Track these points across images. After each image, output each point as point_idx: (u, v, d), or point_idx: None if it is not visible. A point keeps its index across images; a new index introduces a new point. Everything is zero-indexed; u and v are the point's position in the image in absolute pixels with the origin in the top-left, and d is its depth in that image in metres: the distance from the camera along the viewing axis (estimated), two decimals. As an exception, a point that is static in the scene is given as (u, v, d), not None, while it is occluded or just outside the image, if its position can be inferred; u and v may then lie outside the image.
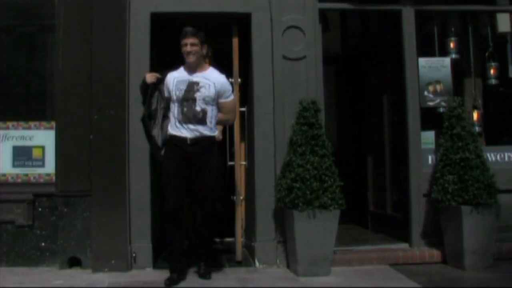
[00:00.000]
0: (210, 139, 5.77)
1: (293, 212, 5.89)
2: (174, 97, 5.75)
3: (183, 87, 5.76)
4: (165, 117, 5.87)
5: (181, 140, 5.71)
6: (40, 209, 6.37)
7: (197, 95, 5.73)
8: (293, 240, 5.93)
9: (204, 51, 5.88)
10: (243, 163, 6.79)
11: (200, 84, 5.77)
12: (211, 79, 5.80)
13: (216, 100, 5.79)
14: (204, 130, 5.73)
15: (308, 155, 5.97)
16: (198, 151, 5.70)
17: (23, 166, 6.48)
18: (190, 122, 5.71)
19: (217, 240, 7.48)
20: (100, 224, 6.18)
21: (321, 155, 5.99)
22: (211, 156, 5.78)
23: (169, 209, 5.68)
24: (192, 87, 5.76)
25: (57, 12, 6.50)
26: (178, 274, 5.72)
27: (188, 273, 5.89)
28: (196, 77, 5.81)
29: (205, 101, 5.74)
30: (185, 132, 5.72)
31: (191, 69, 5.83)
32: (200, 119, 5.71)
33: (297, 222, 5.89)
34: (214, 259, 6.46)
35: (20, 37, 6.84)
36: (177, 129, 5.74)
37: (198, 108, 5.72)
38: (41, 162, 6.49)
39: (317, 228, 5.88)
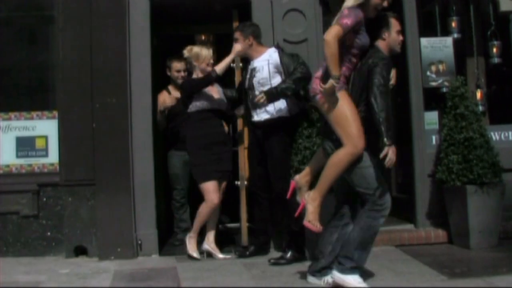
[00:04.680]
0: (270, 121, 5.96)
1: (299, 195, 5.88)
2: (246, 87, 6.10)
3: (247, 76, 6.07)
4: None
5: (252, 123, 6.14)
6: (45, 199, 6.39)
7: (254, 80, 5.99)
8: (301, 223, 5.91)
9: (249, 41, 6.02)
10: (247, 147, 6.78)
11: (256, 69, 5.99)
12: (266, 59, 5.98)
13: (280, 78, 5.92)
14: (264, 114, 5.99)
15: (314, 138, 5.94)
16: (264, 135, 6.00)
17: (27, 156, 6.49)
18: (254, 108, 5.99)
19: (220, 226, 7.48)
20: (105, 213, 6.20)
21: (326, 137, 5.97)
22: (274, 140, 5.95)
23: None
24: (252, 74, 6.02)
25: (56, 3, 6.49)
26: None
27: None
28: (256, 62, 6.04)
29: (261, 84, 5.94)
30: (255, 116, 6.05)
31: (250, 58, 6.09)
32: (261, 103, 5.88)
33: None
34: (220, 243, 6.49)
35: (21, 28, 6.84)
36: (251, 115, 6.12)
37: (257, 93, 5.92)
38: (45, 152, 6.49)
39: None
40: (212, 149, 6.08)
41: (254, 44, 6.05)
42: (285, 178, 5.85)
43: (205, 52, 6.15)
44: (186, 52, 6.18)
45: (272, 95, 5.79)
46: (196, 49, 6.18)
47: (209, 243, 6.19)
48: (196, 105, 6.10)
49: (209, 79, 6.03)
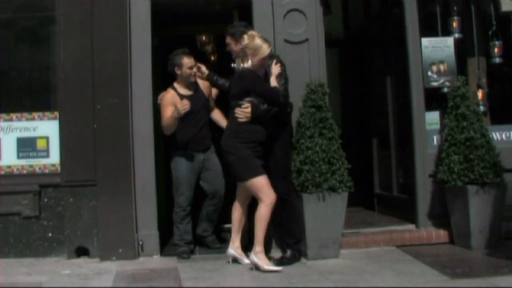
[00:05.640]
0: None
1: (302, 195, 5.89)
2: None
3: None
4: None
5: None
6: (46, 200, 6.39)
7: None
8: (303, 224, 5.93)
9: (241, 44, 5.84)
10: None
11: None
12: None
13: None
14: None
15: (316, 138, 5.95)
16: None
17: (28, 157, 6.49)
18: None
19: (226, 226, 7.46)
20: (106, 213, 6.20)
21: (329, 137, 5.97)
22: (275, 141, 5.88)
23: None
24: None
25: (57, 4, 6.49)
26: None
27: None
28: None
29: None
30: None
31: (242, 62, 6.00)
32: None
33: (307, 205, 5.89)
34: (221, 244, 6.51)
35: (22, 30, 6.85)
36: None
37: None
38: (46, 152, 6.49)
39: (326, 211, 5.87)
40: (257, 147, 5.65)
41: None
42: (286, 179, 5.91)
43: (266, 48, 5.67)
44: (246, 39, 5.67)
45: (259, 110, 5.66)
46: (258, 41, 5.65)
47: (235, 248, 5.84)
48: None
49: (278, 98, 5.67)
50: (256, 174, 5.55)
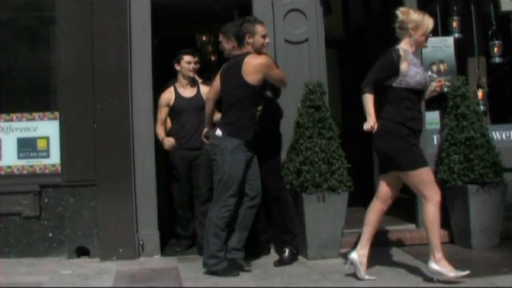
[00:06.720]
0: None
1: (302, 195, 5.88)
2: None
3: None
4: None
5: None
6: (46, 200, 6.39)
7: None
8: (303, 224, 5.93)
9: (232, 43, 5.79)
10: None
11: None
12: None
13: None
14: None
15: (315, 138, 5.95)
16: None
17: (28, 157, 6.50)
18: None
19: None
20: (107, 213, 6.21)
21: (328, 137, 5.96)
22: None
23: None
24: None
25: (57, 4, 6.50)
26: None
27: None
28: None
29: None
30: None
31: None
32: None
33: (307, 205, 5.88)
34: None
35: (22, 30, 6.87)
36: None
37: None
38: (46, 153, 6.50)
39: (326, 211, 5.87)
40: (417, 138, 5.06)
41: (236, 46, 5.85)
42: (276, 176, 5.92)
43: (428, 20, 4.96)
44: (401, 15, 4.98)
45: None
46: (415, 15, 4.96)
47: (361, 256, 5.10)
48: (406, 81, 5.08)
49: None
50: (423, 164, 4.90)
